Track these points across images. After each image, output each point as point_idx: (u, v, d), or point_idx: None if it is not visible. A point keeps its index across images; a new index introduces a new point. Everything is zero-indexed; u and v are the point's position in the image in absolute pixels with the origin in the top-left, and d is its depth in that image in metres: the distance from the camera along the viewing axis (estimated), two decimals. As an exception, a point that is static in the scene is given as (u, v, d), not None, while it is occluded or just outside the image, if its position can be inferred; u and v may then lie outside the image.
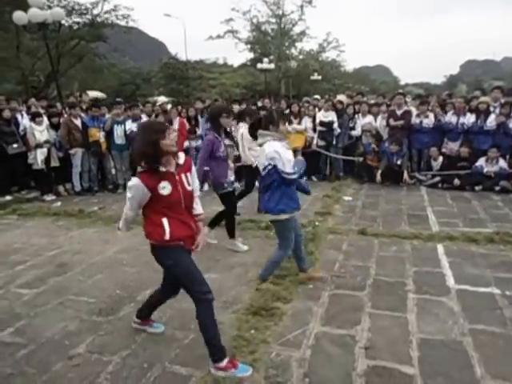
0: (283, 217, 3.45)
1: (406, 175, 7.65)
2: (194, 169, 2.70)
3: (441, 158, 7.70)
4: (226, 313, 3.28)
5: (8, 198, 7.28)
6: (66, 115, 7.98)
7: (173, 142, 2.44)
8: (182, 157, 2.57)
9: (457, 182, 7.20)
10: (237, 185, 4.85)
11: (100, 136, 7.64)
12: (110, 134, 7.74)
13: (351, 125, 8.47)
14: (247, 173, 5.82)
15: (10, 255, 4.73)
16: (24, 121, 7.86)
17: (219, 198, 4.58)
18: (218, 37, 36.80)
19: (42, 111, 8.01)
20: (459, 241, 4.69)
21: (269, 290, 3.59)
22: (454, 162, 7.49)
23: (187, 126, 7.87)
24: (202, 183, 4.43)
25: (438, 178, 7.53)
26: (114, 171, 8.10)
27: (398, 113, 7.99)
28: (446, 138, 7.93)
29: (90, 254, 3.23)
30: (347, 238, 4.94)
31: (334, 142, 8.33)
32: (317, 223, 5.47)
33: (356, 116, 8.54)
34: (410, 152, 8.08)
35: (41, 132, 7.35)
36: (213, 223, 4.77)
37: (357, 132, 8.46)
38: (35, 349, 2.89)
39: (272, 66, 30.76)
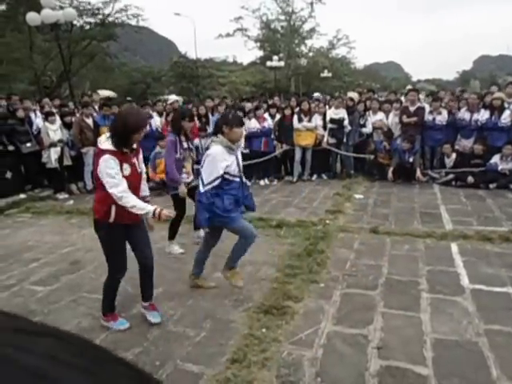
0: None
1: (418, 173, 7.56)
2: (141, 153, 3.04)
3: (454, 155, 7.59)
4: (237, 311, 3.29)
5: (22, 196, 7.37)
6: (78, 114, 8.06)
7: (141, 136, 2.82)
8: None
9: (470, 179, 7.09)
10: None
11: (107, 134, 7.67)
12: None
13: (362, 122, 8.38)
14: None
15: (24, 253, 4.79)
16: (37, 120, 7.96)
17: (171, 198, 4.58)
18: (228, 35, 36.77)
19: (55, 111, 8.10)
20: (473, 240, 4.62)
21: (280, 288, 3.58)
22: (467, 159, 7.38)
23: (197, 124, 7.88)
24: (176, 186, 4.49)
25: (451, 176, 7.43)
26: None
27: (411, 109, 7.89)
28: (460, 134, 7.82)
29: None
30: (359, 236, 4.90)
31: (345, 140, 8.25)
32: (327, 221, 5.44)
33: (367, 113, 8.46)
34: (422, 149, 7.98)
35: (54, 131, 7.44)
36: (170, 235, 4.70)
37: (368, 129, 8.37)
38: (49, 346, 2.91)
39: (282, 63, 30.63)
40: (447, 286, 3.55)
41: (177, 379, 2.52)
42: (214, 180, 3.20)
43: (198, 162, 5.28)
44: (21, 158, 7.59)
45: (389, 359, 2.61)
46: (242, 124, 3.32)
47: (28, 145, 7.53)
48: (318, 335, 2.90)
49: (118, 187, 2.70)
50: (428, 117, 7.88)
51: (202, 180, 3.22)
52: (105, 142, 2.78)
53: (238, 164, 3.34)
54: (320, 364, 2.60)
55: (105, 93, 16.58)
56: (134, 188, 2.88)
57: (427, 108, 8.02)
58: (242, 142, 3.50)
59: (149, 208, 2.81)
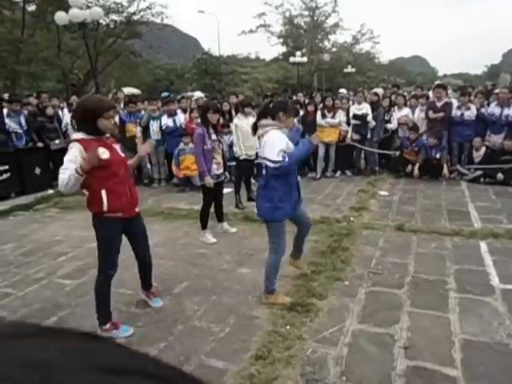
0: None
1: (445, 169, 7.37)
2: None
3: (483, 149, 7.35)
4: (260, 308, 3.28)
5: (50, 191, 7.56)
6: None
7: (112, 124, 2.82)
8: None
9: (500, 176, 6.87)
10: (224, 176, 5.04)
11: (136, 131, 7.81)
12: (146, 130, 7.90)
13: (387, 118, 8.23)
14: (237, 165, 6.21)
15: (52, 247, 4.92)
16: (66, 117, 8.15)
17: (201, 189, 4.75)
18: (251, 31, 36.77)
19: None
20: (503, 238, 4.47)
21: (304, 285, 3.56)
22: (497, 155, 7.14)
23: (221, 120, 7.90)
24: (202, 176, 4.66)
25: (479, 172, 7.21)
26: (149, 166, 8.26)
27: (438, 105, 7.69)
28: (489, 130, 7.57)
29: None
30: (384, 233, 4.82)
31: (369, 136, 8.12)
32: (352, 218, 5.37)
33: (392, 109, 8.30)
34: (449, 145, 7.77)
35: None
36: (202, 224, 4.83)
37: (393, 125, 8.21)
38: (77, 338, 2.98)
39: (305, 59, 30.39)
40: (476, 285, 3.45)
41: (202, 374, 2.53)
42: (282, 153, 3.05)
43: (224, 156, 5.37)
44: (49, 154, 7.81)
45: (416, 359, 2.55)
46: (297, 114, 3.31)
47: (56, 141, 7.75)
48: (342, 333, 2.87)
49: (64, 170, 2.64)
50: (456, 112, 7.66)
51: (271, 160, 3.05)
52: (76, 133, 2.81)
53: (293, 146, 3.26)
54: (345, 363, 2.56)
55: (129, 90, 16.83)
56: (119, 173, 2.83)
57: (455, 103, 7.81)
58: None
59: (70, 170, 2.61)
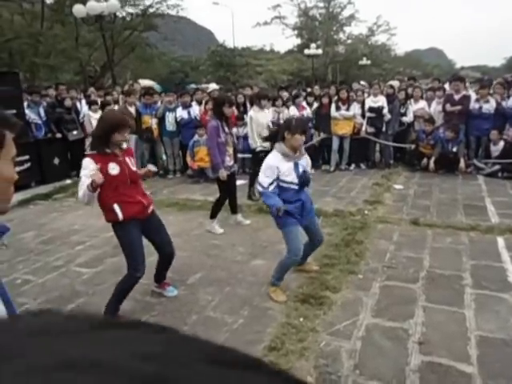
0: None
1: (462, 163, 7.25)
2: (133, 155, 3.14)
3: (502, 143, 7.20)
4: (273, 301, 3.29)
5: (68, 181, 7.69)
6: (121, 103, 8.28)
7: (125, 138, 2.91)
8: (124, 144, 2.99)
9: (519, 171, 6.73)
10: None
11: (152, 123, 7.86)
12: (161, 121, 7.95)
13: (402, 110, 8.12)
14: (254, 156, 6.15)
15: (70, 236, 5.01)
16: (83, 109, 8.27)
17: (216, 182, 4.79)
18: (265, 23, 36.50)
19: (99, 100, 8.37)
20: (522, 234, 4.40)
21: (317, 278, 3.56)
22: (516, 149, 6.99)
23: (235, 112, 7.89)
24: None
25: (497, 167, 7.08)
26: (164, 157, 8.32)
27: (456, 97, 7.55)
28: (508, 124, 7.40)
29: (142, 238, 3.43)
30: (398, 227, 4.78)
31: (384, 129, 8.03)
32: (366, 212, 5.34)
33: (408, 101, 8.17)
34: (467, 139, 7.63)
35: (96, 119, 7.68)
36: (212, 214, 4.87)
37: (408, 118, 8.10)
38: (94, 326, 3.05)
39: (319, 51, 30.08)
40: (493, 281, 3.41)
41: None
42: (273, 182, 3.18)
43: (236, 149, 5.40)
44: (67, 145, 7.93)
45: (431, 355, 2.54)
46: (304, 132, 3.26)
47: (74, 132, 7.87)
48: (356, 327, 2.87)
49: (81, 185, 2.79)
50: (474, 105, 7.51)
51: (261, 184, 3.21)
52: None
53: (296, 172, 3.24)
54: (359, 356, 2.56)
55: (145, 82, 16.91)
56: (129, 186, 2.93)
57: (473, 96, 7.65)
58: (303, 152, 3.39)
59: (83, 187, 2.76)
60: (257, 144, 6.01)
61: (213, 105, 5.06)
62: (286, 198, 3.23)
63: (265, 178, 3.20)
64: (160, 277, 3.44)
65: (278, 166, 3.18)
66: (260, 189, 3.25)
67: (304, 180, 3.28)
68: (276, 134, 3.36)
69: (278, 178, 3.20)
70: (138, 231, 3.01)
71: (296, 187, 3.24)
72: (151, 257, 3.40)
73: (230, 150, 4.78)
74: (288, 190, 3.24)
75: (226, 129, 4.69)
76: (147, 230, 3.11)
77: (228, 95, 5.57)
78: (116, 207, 2.87)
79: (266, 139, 3.67)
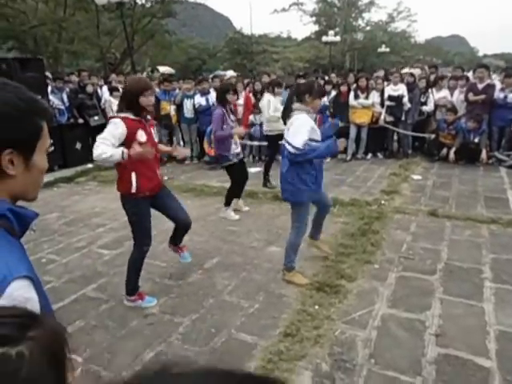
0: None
1: (484, 154, 7.10)
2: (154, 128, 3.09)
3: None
4: (289, 286, 3.31)
5: (89, 165, 7.84)
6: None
7: (151, 102, 2.88)
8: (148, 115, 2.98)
9: (543, 164, 6.56)
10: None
11: (171, 109, 7.89)
12: (179, 108, 7.96)
13: (423, 99, 7.96)
14: (270, 143, 6.25)
15: (91, 218, 5.12)
16: (105, 95, 8.36)
17: (225, 170, 4.86)
18: (283, 10, 36.05)
19: (119, 86, 8.44)
20: (544, 228, 4.31)
21: (333, 267, 3.56)
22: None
23: (253, 100, 7.85)
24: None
25: (520, 159, 6.91)
26: (182, 143, 8.36)
27: (480, 87, 7.35)
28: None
29: (161, 221, 3.43)
30: (416, 218, 4.73)
31: (403, 118, 7.89)
32: (383, 202, 5.29)
33: (429, 90, 8.00)
34: (489, 129, 7.45)
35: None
36: (227, 201, 4.94)
37: (429, 107, 7.93)
38: (115, 305, 3.14)
39: (337, 38, 29.63)
40: (513, 275, 3.35)
41: (231, 347, 2.61)
42: (304, 143, 3.07)
43: (242, 137, 5.43)
44: (89, 130, 8.03)
45: (447, 347, 2.52)
46: (323, 96, 3.29)
47: (95, 118, 8.00)
48: (372, 316, 2.87)
49: (101, 144, 2.72)
50: (499, 94, 7.30)
51: (293, 145, 3.06)
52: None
53: (319, 129, 3.30)
54: (374, 346, 2.57)
55: (163, 69, 16.95)
56: (151, 157, 2.90)
57: (498, 85, 7.44)
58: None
59: (116, 151, 2.68)
60: (269, 127, 6.06)
61: (217, 92, 5.12)
62: (312, 165, 3.21)
63: (300, 137, 3.05)
64: (176, 239, 3.46)
65: (312, 126, 3.17)
66: (293, 151, 3.05)
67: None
68: (296, 94, 3.31)
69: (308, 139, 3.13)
70: (148, 208, 3.02)
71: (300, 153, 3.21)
72: (164, 243, 3.44)
73: (236, 138, 4.83)
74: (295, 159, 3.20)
75: (232, 116, 4.75)
76: (158, 205, 3.10)
77: (231, 83, 5.57)
78: (133, 177, 2.85)
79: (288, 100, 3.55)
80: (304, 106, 3.20)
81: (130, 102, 2.82)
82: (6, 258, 0.81)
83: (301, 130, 3.09)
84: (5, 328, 0.49)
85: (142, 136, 2.80)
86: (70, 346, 0.55)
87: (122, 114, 2.82)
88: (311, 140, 3.13)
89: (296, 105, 3.25)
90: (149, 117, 2.99)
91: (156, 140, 3.06)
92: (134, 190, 2.86)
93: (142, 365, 2.47)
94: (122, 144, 2.74)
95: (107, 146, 2.70)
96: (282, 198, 3.54)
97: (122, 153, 2.67)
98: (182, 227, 3.32)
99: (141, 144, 2.75)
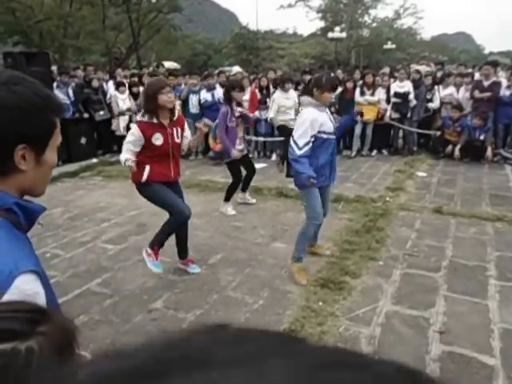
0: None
1: (489, 152, 7.05)
2: (186, 125, 3.26)
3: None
4: (293, 282, 3.31)
5: (94, 160, 7.88)
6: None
7: (170, 98, 2.96)
8: (176, 114, 3.11)
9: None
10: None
11: (176, 105, 7.88)
12: (185, 103, 7.97)
13: (429, 96, 7.91)
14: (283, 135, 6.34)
15: (96, 213, 5.13)
16: (110, 90, 8.39)
17: (227, 166, 4.95)
18: (289, 6, 35.87)
19: (125, 81, 8.46)
20: (550, 226, 4.28)
21: (337, 263, 3.56)
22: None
23: (258, 95, 7.84)
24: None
25: (526, 157, 6.87)
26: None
27: (485, 84, 7.30)
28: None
29: (166, 217, 3.46)
30: (421, 215, 4.71)
31: (409, 115, 7.85)
32: (388, 199, 5.27)
33: (435, 87, 7.95)
34: (495, 127, 7.41)
35: (123, 100, 7.86)
36: (226, 197, 4.96)
37: (435, 104, 7.89)
38: (119, 300, 3.14)
39: (343, 34, 29.44)
40: (519, 273, 3.34)
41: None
42: (309, 142, 3.11)
43: (248, 132, 5.42)
44: (94, 125, 8.08)
45: (452, 345, 2.52)
46: (334, 89, 3.23)
47: (101, 113, 8.01)
48: (376, 313, 2.87)
49: (124, 146, 3.02)
50: (505, 92, 7.25)
51: (297, 144, 3.11)
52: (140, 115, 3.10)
53: (331, 121, 3.26)
54: (378, 343, 2.57)
55: (168, 64, 16.94)
56: (168, 156, 3.07)
57: (504, 83, 7.38)
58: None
59: (128, 154, 2.99)
60: (276, 120, 6.07)
61: (224, 90, 5.17)
62: (322, 155, 3.21)
63: (303, 135, 3.09)
64: (182, 252, 3.53)
65: (317, 119, 3.13)
66: (294, 152, 3.13)
67: (339, 129, 3.32)
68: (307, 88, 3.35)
69: (318, 132, 3.13)
70: (162, 186, 3.13)
71: (334, 137, 3.25)
72: (172, 237, 3.46)
73: (240, 133, 4.88)
74: (326, 144, 3.20)
75: (237, 113, 4.78)
76: None
77: (237, 80, 5.56)
78: (147, 168, 3.02)
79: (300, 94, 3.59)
80: (310, 99, 3.18)
81: (148, 102, 2.98)
82: (13, 252, 0.81)
83: (301, 128, 3.12)
84: (14, 323, 0.49)
85: (157, 139, 2.97)
86: (78, 341, 0.55)
87: (140, 118, 3.02)
88: (320, 132, 3.14)
89: (302, 98, 3.25)
90: (176, 115, 3.11)
91: (178, 140, 3.12)
92: (144, 179, 3.03)
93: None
94: (145, 147, 3.00)
95: (126, 152, 2.98)
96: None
97: (125, 161, 2.93)
98: (181, 230, 3.42)
99: (155, 147, 2.97)
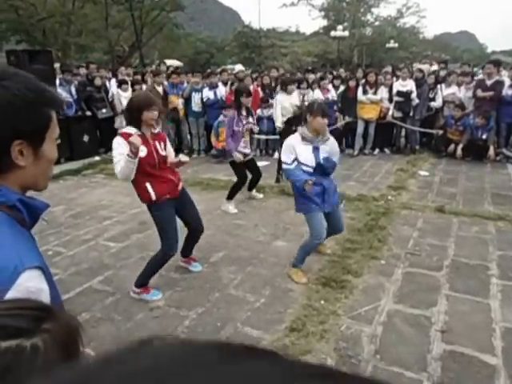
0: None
1: (491, 151, 7.03)
2: (168, 142, 3.19)
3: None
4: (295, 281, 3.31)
5: (97, 158, 7.89)
6: (149, 82, 8.35)
7: (155, 116, 2.95)
8: (157, 128, 3.10)
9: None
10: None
11: (179, 103, 7.90)
12: (187, 101, 7.97)
13: (431, 95, 7.89)
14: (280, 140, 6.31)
15: (98, 211, 5.14)
16: (113, 88, 8.39)
17: (230, 166, 5.00)
18: (292, 4, 35.79)
19: (127, 78, 8.46)
20: (552, 226, 4.27)
21: (339, 262, 3.56)
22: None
23: (261, 94, 7.84)
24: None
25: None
26: (189, 137, 8.37)
27: (488, 83, 7.27)
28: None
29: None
30: (423, 214, 4.71)
31: (411, 114, 7.84)
32: (390, 197, 5.27)
33: (438, 86, 7.93)
34: (497, 126, 7.38)
35: (126, 98, 7.81)
36: (229, 195, 5.01)
37: (437, 103, 7.87)
38: (121, 298, 3.15)
39: (346, 33, 29.33)
40: (521, 273, 3.34)
41: (237, 341, 2.61)
42: (295, 159, 3.21)
43: (252, 132, 5.43)
44: (97, 122, 8.09)
45: (453, 344, 2.52)
46: (324, 115, 3.23)
47: (103, 111, 8.02)
48: (377, 312, 2.87)
49: (117, 162, 2.85)
50: (507, 91, 7.22)
51: (285, 162, 3.24)
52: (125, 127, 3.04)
53: (315, 156, 3.20)
54: (380, 341, 2.57)
55: (171, 62, 16.93)
56: (159, 167, 3.00)
57: (507, 82, 7.36)
58: (328, 136, 3.35)
59: (122, 162, 2.82)
60: (280, 125, 6.08)
61: (233, 95, 5.24)
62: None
63: (285, 156, 3.24)
64: (187, 251, 3.54)
65: (294, 146, 3.19)
66: (285, 166, 3.26)
67: (323, 168, 3.23)
68: (299, 117, 3.40)
69: (296, 159, 3.21)
70: (172, 211, 3.11)
71: (312, 171, 3.21)
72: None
73: (246, 137, 4.94)
74: (307, 174, 3.21)
75: (244, 119, 4.86)
76: (178, 208, 3.19)
77: (245, 85, 5.59)
78: (148, 186, 2.97)
79: (287, 122, 3.70)
80: (301, 128, 3.25)
81: (132, 115, 2.95)
82: (17, 248, 0.81)
83: (283, 149, 3.28)
84: (19, 320, 0.49)
85: (141, 151, 2.87)
86: (83, 339, 0.55)
87: (124, 130, 2.95)
88: (297, 161, 3.20)
89: (298, 127, 3.34)
90: (156, 130, 3.08)
91: (163, 153, 3.05)
92: (154, 197, 2.98)
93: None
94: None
95: (118, 164, 2.86)
96: None
97: (127, 154, 2.78)
98: (194, 234, 3.42)
99: (141, 160, 2.88)
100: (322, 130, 3.22)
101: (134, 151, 2.75)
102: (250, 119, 4.97)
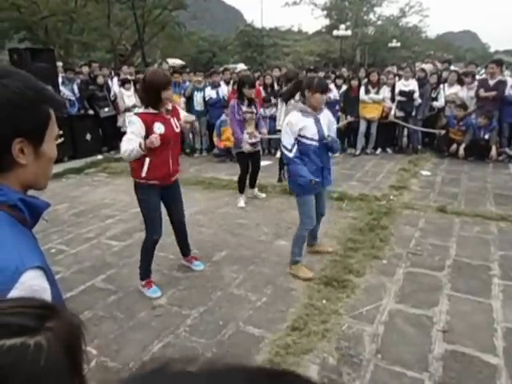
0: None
1: (493, 151, 7.02)
2: (181, 114, 3.21)
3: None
4: (297, 281, 3.32)
5: (99, 157, 7.92)
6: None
7: (171, 94, 2.98)
8: (169, 104, 3.06)
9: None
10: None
11: (180, 102, 7.91)
12: (189, 100, 7.97)
13: (434, 95, 7.88)
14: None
15: (101, 209, 5.16)
16: (114, 86, 8.40)
17: (236, 156, 5.06)
18: (294, 3, 35.77)
19: (130, 77, 8.48)
20: (554, 226, 4.26)
21: (341, 261, 3.56)
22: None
23: (263, 93, 7.83)
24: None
25: (531, 157, 6.83)
26: (191, 136, 8.37)
27: (491, 83, 7.25)
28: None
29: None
30: (425, 214, 4.71)
31: (414, 113, 7.83)
32: (392, 197, 5.27)
33: (440, 86, 7.91)
34: (500, 126, 7.37)
35: (129, 97, 7.87)
36: (239, 189, 5.12)
37: (440, 103, 7.86)
38: (123, 296, 3.17)
39: (348, 32, 29.31)
40: (522, 273, 3.33)
41: (239, 340, 2.62)
42: (294, 143, 3.19)
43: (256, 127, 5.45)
44: (99, 121, 8.12)
45: (455, 344, 2.52)
46: (325, 91, 3.21)
47: (106, 109, 8.05)
48: (379, 312, 2.87)
49: (128, 141, 2.86)
50: (510, 91, 7.20)
51: (285, 147, 3.22)
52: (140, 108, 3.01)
53: (317, 127, 3.22)
54: (381, 341, 2.57)
55: (173, 61, 16.94)
56: (171, 144, 3.02)
57: (509, 81, 7.34)
58: (324, 108, 3.36)
59: (134, 145, 2.83)
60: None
61: (236, 86, 5.22)
62: (309, 164, 3.22)
63: (286, 137, 3.20)
64: (184, 249, 3.56)
65: (297, 123, 3.17)
66: (287, 153, 3.22)
67: (328, 145, 3.25)
68: (292, 92, 3.38)
69: (299, 136, 3.19)
70: (157, 200, 3.13)
71: (317, 144, 3.20)
72: (172, 236, 3.48)
73: (250, 128, 4.88)
74: (309, 149, 3.21)
75: (245, 108, 4.82)
76: (166, 197, 3.21)
77: (248, 76, 5.57)
78: (146, 162, 2.94)
79: (281, 95, 3.68)
80: (296, 103, 3.24)
81: (150, 95, 2.90)
82: (18, 248, 0.81)
83: (283, 131, 3.25)
84: (23, 318, 0.49)
85: (159, 128, 2.90)
86: (85, 337, 0.56)
87: (140, 110, 2.94)
88: (301, 136, 3.19)
89: (290, 103, 3.33)
90: (170, 107, 3.04)
91: (177, 130, 3.08)
92: (143, 174, 2.96)
93: (149, 357, 2.50)
94: (146, 137, 2.86)
95: (129, 143, 2.84)
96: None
97: (140, 144, 2.81)
98: (176, 226, 3.43)
99: (160, 136, 2.87)
100: (319, 106, 3.24)
101: (147, 147, 2.80)
102: (253, 109, 4.90)
